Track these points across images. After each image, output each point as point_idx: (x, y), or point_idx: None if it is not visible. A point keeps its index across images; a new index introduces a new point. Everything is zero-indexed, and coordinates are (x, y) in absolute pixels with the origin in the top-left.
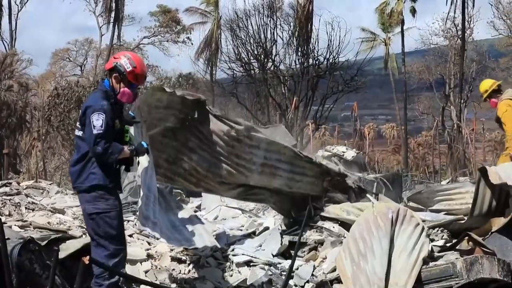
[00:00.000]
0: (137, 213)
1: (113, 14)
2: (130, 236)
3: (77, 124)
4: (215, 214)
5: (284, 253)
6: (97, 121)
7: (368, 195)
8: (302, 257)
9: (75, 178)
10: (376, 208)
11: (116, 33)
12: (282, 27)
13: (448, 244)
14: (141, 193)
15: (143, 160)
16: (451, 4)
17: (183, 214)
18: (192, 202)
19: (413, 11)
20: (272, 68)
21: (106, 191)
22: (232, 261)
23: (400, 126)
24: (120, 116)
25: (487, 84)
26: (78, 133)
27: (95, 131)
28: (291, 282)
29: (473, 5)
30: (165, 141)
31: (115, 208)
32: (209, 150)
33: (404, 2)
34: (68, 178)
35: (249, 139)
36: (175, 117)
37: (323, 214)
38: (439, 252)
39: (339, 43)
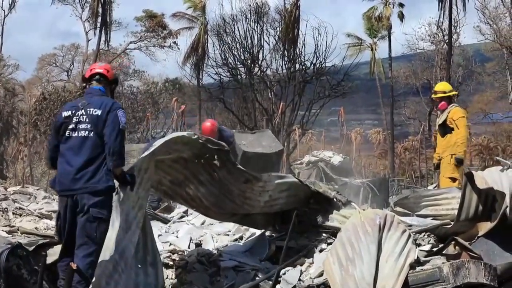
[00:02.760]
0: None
1: (99, 19)
2: None
3: (84, 125)
4: (202, 219)
5: (271, 258)
6: (123, 117)
7: (353, 203)
8: (289, 261)
9: (87, 179)
10: (363, 214)
11: (103, 38)
12: (269, 32)
13: (434, 249)
14: (107, 256)
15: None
16: (441, 10)
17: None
18: (179, 208)
19: (401, 16)
20: (258, 73)
21: (111, 195)
22: (219, 266)
23: (387, 131)
24: None
25: (449, 87)
26: (84, 133)
27: (121, 126)
28: (278, 287)
29: (464, 10)
30: (175, 166)
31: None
32: (219, 187)
33: (393, 7)
34: None
35: (262, 188)
36: (191, 152)
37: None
38: (425, 256)
39: (326, 48)
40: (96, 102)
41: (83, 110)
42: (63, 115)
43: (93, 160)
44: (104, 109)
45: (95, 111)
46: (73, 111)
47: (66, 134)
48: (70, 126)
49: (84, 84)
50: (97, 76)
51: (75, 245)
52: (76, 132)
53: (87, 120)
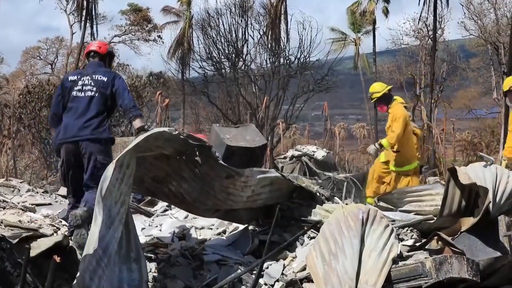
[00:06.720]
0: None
1: (84, 12)
2: None
3: (89, 87)
4: (185, 212)
5: (254, 252)
6: (125, 83)
7: (336, 198)
8: (269, 254)
9: (93, 128)
10: (346, 208)
11: (88, 31)
12: (253, 26)
13: (417, 244)
14: (90, 251)
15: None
16: (424, 5)
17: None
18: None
19: (386, 12)
20: (243, 67)
21: (111, 146)
22: (203, 260)
23: (371, 126)
24: None
25: (378, 87)
26: (91, 93)
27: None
28: (261, 281)
29: (448, 5)
30: (156, 163)
31: None
32: (201, 183)
33: (377, 2)
34: (38, 176)
35: (244, 183)
36: (173, 148)
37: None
38: (408, 251)
39: (310, 42)
40: (102, 71)
41: (88, 76)
42: (69, 79)
43: (99, 114)
44: (109, 77)
45: (100, 77)
46: (79, 76)
47: (74, 94)
48: (77, 88)
49: (86, 61)
50: (92, 53)
51: (79, 188)
52: (83, 93)
53: (92, 83)
